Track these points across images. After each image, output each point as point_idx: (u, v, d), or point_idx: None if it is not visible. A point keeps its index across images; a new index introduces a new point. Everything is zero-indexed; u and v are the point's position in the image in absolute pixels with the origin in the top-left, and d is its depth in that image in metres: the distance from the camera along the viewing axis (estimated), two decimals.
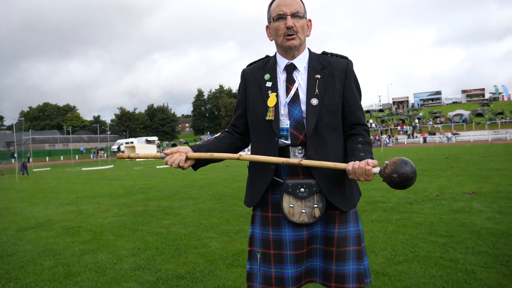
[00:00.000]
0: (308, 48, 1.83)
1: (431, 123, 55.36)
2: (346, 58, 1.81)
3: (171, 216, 6.49)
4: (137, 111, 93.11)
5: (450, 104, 72.30)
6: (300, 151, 1.69)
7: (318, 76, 1.72)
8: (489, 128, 45.77)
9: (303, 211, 1.65)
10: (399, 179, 1.46)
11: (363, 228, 4.93)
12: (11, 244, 5.12)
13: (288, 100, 1.71)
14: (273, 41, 1.80)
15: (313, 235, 1.72)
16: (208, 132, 74.05)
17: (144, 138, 67.22)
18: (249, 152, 1.84)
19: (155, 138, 73.08)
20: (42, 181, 16.78)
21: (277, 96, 1.72)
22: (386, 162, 1.53)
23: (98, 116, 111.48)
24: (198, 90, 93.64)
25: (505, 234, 4.29)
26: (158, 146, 62.21)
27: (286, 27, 1.67)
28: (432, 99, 77.36)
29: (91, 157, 57.01)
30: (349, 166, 1.56)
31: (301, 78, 1.74)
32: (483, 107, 56.96)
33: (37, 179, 18.09)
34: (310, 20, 1.81)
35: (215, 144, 1.83)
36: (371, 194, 7.62)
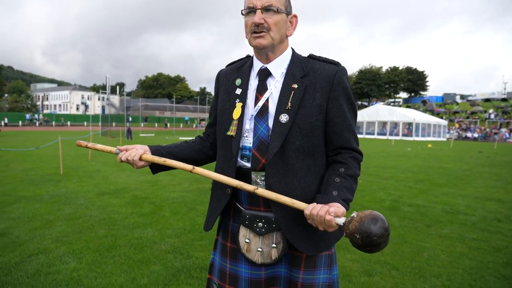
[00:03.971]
0: (292, 49, 1.49)
1: None
2: (336, 63, 1.43)
3: None
4: None
5: None
6: (262, 178, 1.40)
7: (295, 85, 1.39)
8: None
9: (259, 249, 1.39)
10: (361, 241, 1.11)
11: (425, 244, 4.33)
12: (83, 207, 5.67)
13: (255, 113, 1.42)
14: None
15: (275, 276, 1.45)
16: None
17: None
18: None
19: None
20: None
21: (243, 107, 1.44)
22: (353, 214, 1.17)
23: (204, 88, 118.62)
24: None
25: None
26: None
27: (253, 23, 1.36)
28: None
29: (194, 126, 61.34)
30: (307, 210, 1.24)
31: (274, 87, 1.42)
32: None
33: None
34: (295, 16, 1.46)
35: (180, 148, 1.61)
36: (455, 202, 6.68)
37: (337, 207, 1.21)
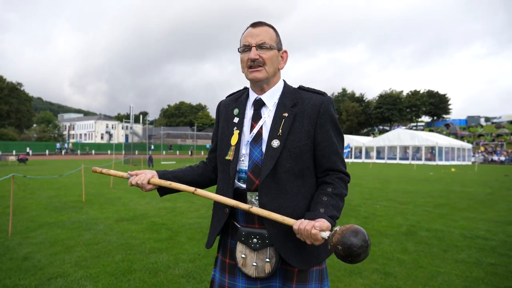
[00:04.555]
0: (284, 81, 1.66)
1: None
2: (323, 94, 1.58)
3: None
4: None
5: None
6: (256, 198, 1.52)
7: (286, 114, 1.54)
8: None
9: (254, 264, 1.50)
10: (343, 252, 1.22)
11: (440, 269, 4.26)
12: (103, 233, 5.85)
13: (250, 139, 1.57)
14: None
15: None
16: None
17: None
18: None
19: None
20: None
21: (240, 134, 1.60)
22: (336, 228, 1.29)
23: None
24: None
25: None
26: None
27: (249, 59, 1.54)
28: None
29: None
30: (295, 225, 1.36)
31: (268, 116, 1.58)
32: None
33: None
34: (285, 52, 1.63)
35: (185, 172, 1.76)
36: (475, 226, 6.53)
37: (322, 222, 1.32)
